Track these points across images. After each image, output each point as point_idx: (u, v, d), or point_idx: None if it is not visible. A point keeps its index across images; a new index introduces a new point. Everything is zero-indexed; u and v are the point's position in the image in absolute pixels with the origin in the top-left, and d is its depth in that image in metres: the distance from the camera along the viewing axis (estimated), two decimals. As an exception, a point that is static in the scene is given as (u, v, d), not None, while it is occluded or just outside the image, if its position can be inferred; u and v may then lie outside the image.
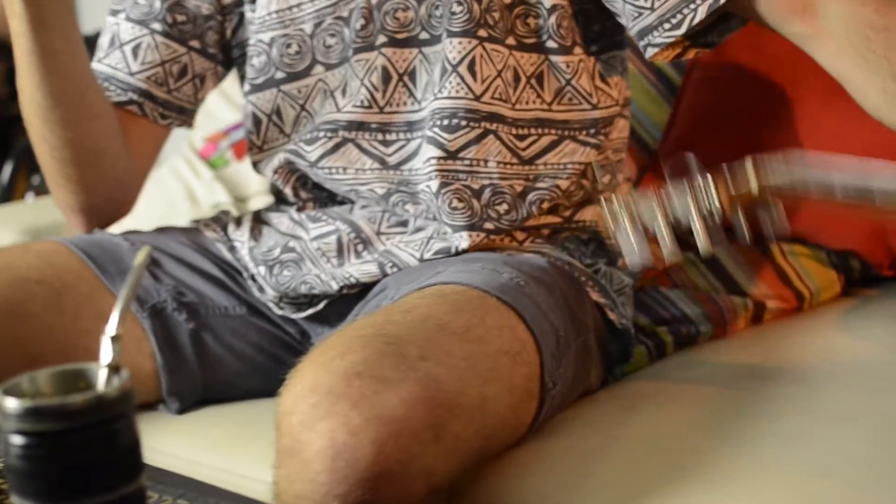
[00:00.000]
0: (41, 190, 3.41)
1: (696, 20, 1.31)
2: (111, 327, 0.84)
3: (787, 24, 1.28)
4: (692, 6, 1.31)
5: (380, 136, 1.49)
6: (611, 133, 1.52)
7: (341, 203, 1.57)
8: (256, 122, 1.58)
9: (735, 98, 1.86)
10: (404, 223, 1.51)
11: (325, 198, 1.58)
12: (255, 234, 1.59)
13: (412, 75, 1.48)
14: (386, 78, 1.48)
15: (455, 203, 1.45)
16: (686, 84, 1.90)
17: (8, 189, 3.62)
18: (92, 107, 1.50)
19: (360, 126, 1.49)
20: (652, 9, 1.34)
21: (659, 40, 1.34)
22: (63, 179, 1.54)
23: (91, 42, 3.66)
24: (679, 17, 1.32)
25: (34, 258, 1.48)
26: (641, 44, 1.37)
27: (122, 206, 1.62)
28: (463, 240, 1.45)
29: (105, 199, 1.58)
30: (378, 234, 1.50)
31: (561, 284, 1.40)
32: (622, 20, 1.40)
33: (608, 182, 1.56)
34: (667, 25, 1.33)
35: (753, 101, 1.84)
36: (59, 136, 1.49)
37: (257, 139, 1.59)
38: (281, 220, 1.60)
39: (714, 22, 1.36)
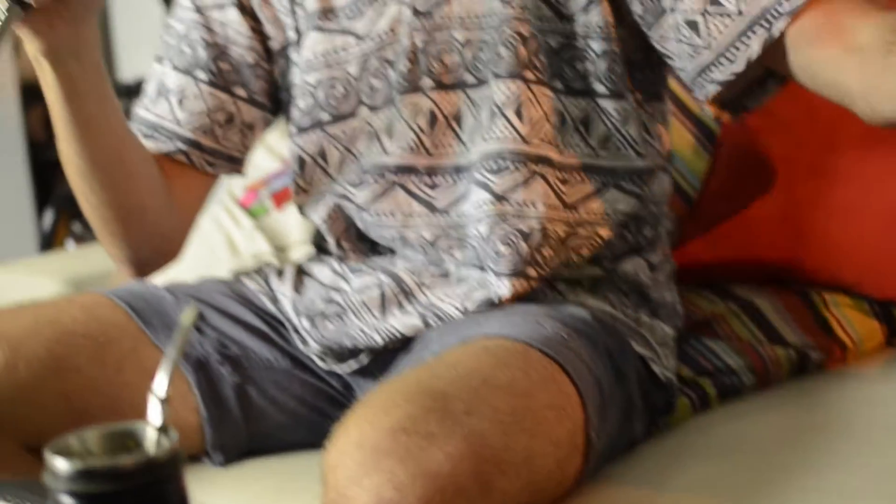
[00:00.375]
0: (82, 238, 3.44)
1: (753, 55, 1.31)
2: (159, 388, 0.84)
3: (822, 47, 1.28)
4: (746, 41, 1.30)
5: (427, 180, 1.49)
6: (653, 186, 1.52)
7: (383, 254, 1.57)
8: (301, 163, 1.58)
9: (774, 147, 1.86)
10: (446, 274, 1.51)
11: (367, 248, 1.58)
12: (298, 285, 1.59)
13: (459, 119, 1.48)
14: (433, 121, 1.48)
15: (500, 248, 1.45)
16: (725, 133, 1.90)
17: (49, 236, 3.65)
18: (130, 167, 1.50)
19: (408, 170, 1.50)
20: (708, 47, 1.34)
21: (719, 77, 1.34)
22: (108, 235, 1.54)
23: (131, 91, 3.69)
24: (735, 52, 1.32)
25: (79, 311, 1.49)
26: (700, 81, 1.37)
27: (169, 256, 1.62)
28: (504, 287, 1.45)
29: (151, 251, 1.59)
30: (420, 285, 1.50)
31: (603, 337, 1.40)
32: (675, 62, 1.40)
33: (652, 236, 1.55)
34: (724, 62, 1.32)
35: (792, 151, 1.84)
36: (99, 196, 1.49)
37: (302, 181, 1.59)
38: (323, 272, 1.60)
39: (751, 84, 1.36)
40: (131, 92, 3.64)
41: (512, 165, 1.44)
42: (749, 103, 1.39)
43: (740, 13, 1.31)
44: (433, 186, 1.49)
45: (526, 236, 1.45)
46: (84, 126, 1.43)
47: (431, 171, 1.49)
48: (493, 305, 1.46)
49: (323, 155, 1.56)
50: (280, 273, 1.63)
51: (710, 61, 1.35)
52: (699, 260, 1.84)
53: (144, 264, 1.60)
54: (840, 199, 1.79)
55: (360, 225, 1.55)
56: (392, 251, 1.55)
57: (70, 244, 3.47)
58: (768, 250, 1.84)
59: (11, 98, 4.34)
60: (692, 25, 1.35)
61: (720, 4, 1.33)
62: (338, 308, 1.53)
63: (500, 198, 1.45)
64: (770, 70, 1.37)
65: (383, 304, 1.50)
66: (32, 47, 1.34)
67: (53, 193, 3.82)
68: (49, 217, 3.65)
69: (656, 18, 1.40)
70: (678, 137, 1.91)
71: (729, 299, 1.79)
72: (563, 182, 1.47)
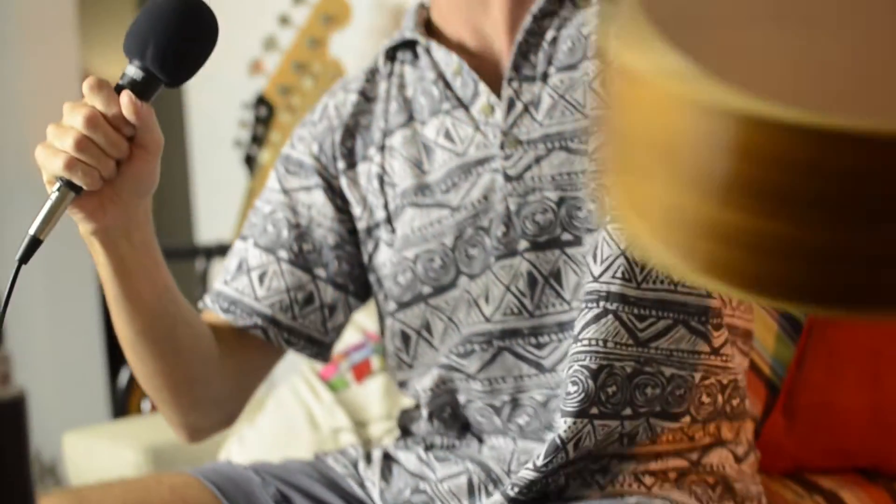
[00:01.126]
0: (158, 400, 3.45)
1: None
2: None
3: None
4: None
5: (533, 341, 1.49)
6: (725, 343, 1.50)
7: (469, 440, 1.57)
8: (405, 339, 1.58)
9: (862, 339, 1.85)
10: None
11: (457, 429, 1.58)
12: (385, 473, 1.59)
13: (558, 277, 1.48)
14: (532, 282, 1.48)
15: (570, 388, 1.44)
16: (811, 323, 1.90)
17: (125, 395, 3.67)
18: (181, 341, 1.52)
19: (513, 333, 1.49)
20: None
21: None
22: (159, 402, 1.57)
23: (211, 252, 3.72)
24: None
25: (167, 492, 1.50)
26: None
27: (223, 423, 1.64)
28: (563, 428, 1.44)
29: (201, 418, 1.61)
30: (508, 472, 1.50)
31: (691, 533, 1.39)
32: None
33: (737, 406, 1.54)
34: None
35: (880, 343, 1.84)
36: (149, 366, 1.52)
37: (407, 357, 1.59)
38: (409, 459, 1.60)
39: None
40: (211, 254, 3.70)
41: (585, 305, 1.44)
42: None
43: None
44: (539, 346, 1.49)
45: (595, 374, 1.44)
46: (134, 302, 1.45)
47: (536, 332, 1.49)
48: (556, 450, 1.44)
49: (428, 328, 1.56)
50: (367, 457, 1.63)
51: None
52: (784, 450, 1.83)
53: (197, 430, 1.62)
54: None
55: (461, 399, 1.55)
56: (479, 440, 1.55)
57: (146, 404, 3.48)
58: (855, 443, 1.83)
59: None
60: None
61: None
62: (425, 497, 1.53)
63: (575, 339, 1.45)
64: None
65: (472, 492, 1.50)
66: (83, 228, 1.37)
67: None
68: (125, 375, 3.67)
69: None
70: (762, 326, 1.91)
71: (814, 491, 1.78)
72: (640, 318, 1.46)
